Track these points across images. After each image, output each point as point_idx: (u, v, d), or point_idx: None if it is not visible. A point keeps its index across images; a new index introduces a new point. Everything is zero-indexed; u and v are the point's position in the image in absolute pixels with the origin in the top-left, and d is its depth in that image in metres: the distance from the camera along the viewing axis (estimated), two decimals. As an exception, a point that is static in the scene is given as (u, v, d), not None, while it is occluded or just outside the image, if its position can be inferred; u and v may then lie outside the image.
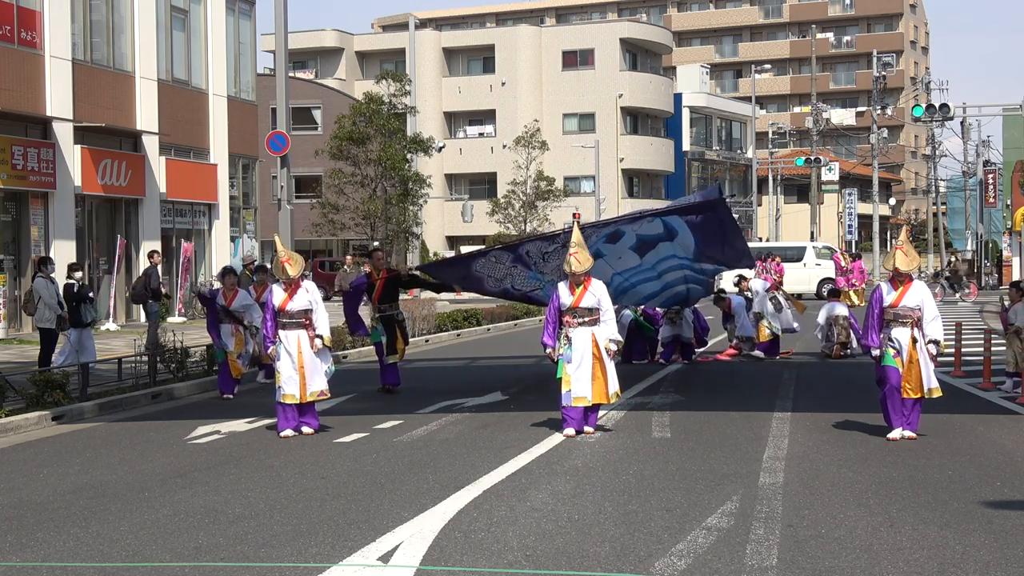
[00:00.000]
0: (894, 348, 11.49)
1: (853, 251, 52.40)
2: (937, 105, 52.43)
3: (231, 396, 15.71)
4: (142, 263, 29.47)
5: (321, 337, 12.41)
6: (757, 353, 20.45)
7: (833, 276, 43.19)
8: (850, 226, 69.91)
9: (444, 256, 56.64)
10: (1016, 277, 46.37)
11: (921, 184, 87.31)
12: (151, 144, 30.07)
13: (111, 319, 27.64)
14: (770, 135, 78.94)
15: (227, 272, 16.75)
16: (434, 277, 18.00)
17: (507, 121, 65.94)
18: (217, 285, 17.78)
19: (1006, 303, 16.21)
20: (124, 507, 8.89)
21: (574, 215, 51.73)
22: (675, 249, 16.34)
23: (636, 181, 70.28)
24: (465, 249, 58.72)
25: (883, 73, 62.91)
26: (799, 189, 79.55)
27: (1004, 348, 15.77)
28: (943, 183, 76.44)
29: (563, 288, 12.28)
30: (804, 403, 14.43)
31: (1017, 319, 15.30)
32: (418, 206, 39.07)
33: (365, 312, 16.65)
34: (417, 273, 18.67)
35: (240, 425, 13.17)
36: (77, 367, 15.45)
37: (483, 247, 17.87)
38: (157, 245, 30.43)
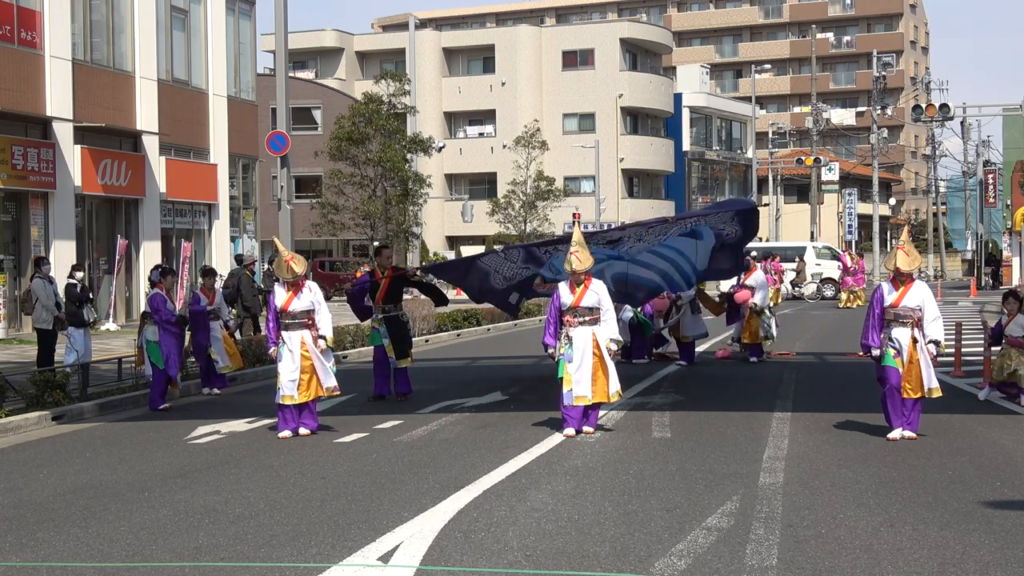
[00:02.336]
0: (894, 348, 11.49)
1: (855, 251, 52.37)
2: (937, 105, 52.46)
3: (167, 407, 14.71)
4: (143, 263, 29.50)
5: (324, 338, 12.41)
6: (753, 359, 20.16)
7: (834, 277, 43.22)
8: (850, 226, 69.91)
9: (445, 258, 56.62)
10: (1016, 277, 46.35)
11: (921, 184, 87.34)
12: (151, 144, 30.07)
13: (111, 319, 27.64)
14: (770, 135, 78.92)
15: (208, 272, 17.45)
16: (440, 275, 17.92)
17: (507, 121, 65.93)
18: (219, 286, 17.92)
19: (992, 321, 15.61)
20: (124, 507, 8.89)
21: (574, 215, 51.81)
22: (683, 245, 16.43)
23: (636, 181, 70.28)
24: (465, 249, 58.81)
25: (883, 73, 62.93)
26: (799, 189, 79.55)
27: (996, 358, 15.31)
28: (943, 183, 76.47)
29: (564, 288, 12.28)
30: (804, 403, 14.42)
31: (1017, 332, 14.40)
32: (418, 206, 39.01)
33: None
34: (430, 278, 18.28)
35: (240, 425, 13.18)
36: (77, 367, 15.46)
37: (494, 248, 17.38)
38: (157, 245, 30.48)
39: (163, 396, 14.85)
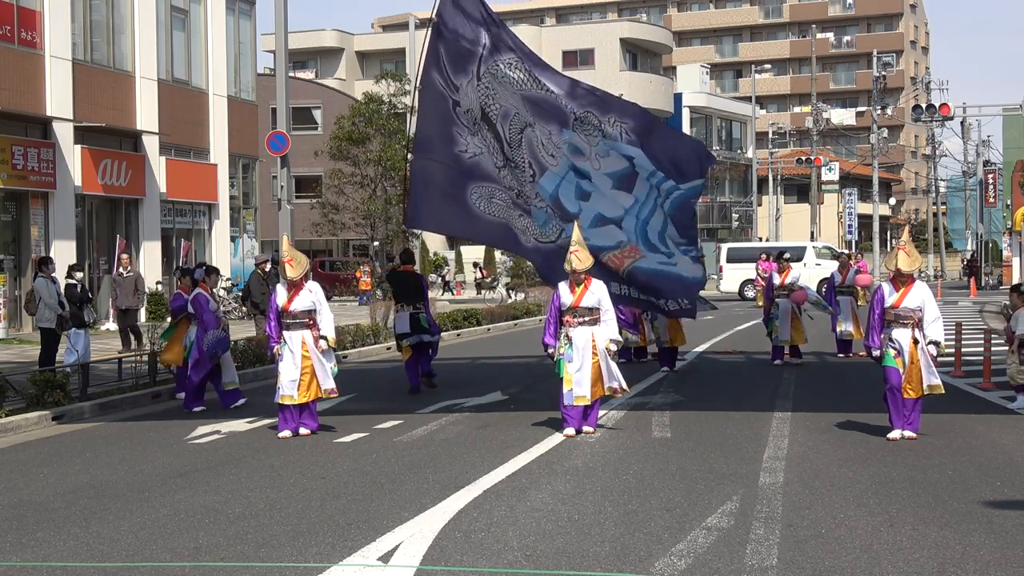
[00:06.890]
0: (895, 349, 11.50)
1: (854, 251, 52.32)
2: (937, 105, 52.46)
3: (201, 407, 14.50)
4: (143, 264, 29.50)
5: (326, 338, 12.40)
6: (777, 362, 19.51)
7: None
8: (850, 226, 69.88)
9: (446, 258, 56.49)
10: (1016, 277, 46.34)
11: (921, 184, 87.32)
12: (151, 144, 30.07)
13: (111, 319, 27.62)
14: (770, 135, 78.90)
15: (186, 272, 17.04)
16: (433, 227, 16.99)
17: (507, 121, 65.85)
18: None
19: (995, 323, 15.37)
20: (124, 507, 8.89)
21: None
22: (646, 182, 13.92)
23: (636, 181, 70.23)
24: (465, 249, 58.71)
25: (883, 73, 62.89)
26: (799, 189, 79.51)
27: (1007, 357, 15.20)
28: (943, 183, 76.44)
29: (564, 288, 12.30)
30: (804, 403, 14.42)
31: (1018, 327, 13.95)
32: (418, 206, 38.99)
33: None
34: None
35: (240, 425, 13.18)
36: (77, 367, 15.45)
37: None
38: (157, 245, 30.47)
39: (198, 397, 14.55)
